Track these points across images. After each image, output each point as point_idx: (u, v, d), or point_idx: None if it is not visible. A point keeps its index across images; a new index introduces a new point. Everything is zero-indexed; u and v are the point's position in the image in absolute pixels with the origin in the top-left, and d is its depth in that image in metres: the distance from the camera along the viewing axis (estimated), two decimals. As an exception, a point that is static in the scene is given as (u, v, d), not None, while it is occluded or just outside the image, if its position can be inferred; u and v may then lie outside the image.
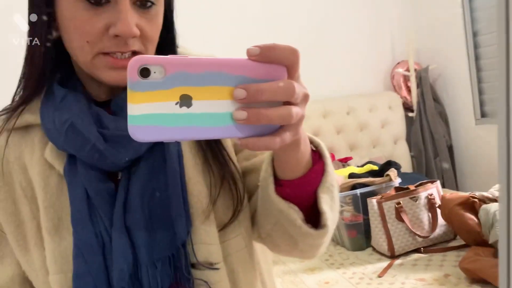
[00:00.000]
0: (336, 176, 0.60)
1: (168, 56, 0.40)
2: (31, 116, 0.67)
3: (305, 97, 0.45)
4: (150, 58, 0.40)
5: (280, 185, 0.56)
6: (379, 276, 1.74)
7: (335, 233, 2.13)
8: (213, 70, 0.40)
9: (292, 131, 0.44)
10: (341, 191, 2.08)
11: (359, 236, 2.05)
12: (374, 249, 2.02)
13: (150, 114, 0.40)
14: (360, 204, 2.04)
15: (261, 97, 0.41)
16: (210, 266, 0.62)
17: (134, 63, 0.39)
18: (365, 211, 2.02)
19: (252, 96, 0.40)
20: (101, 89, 0.67)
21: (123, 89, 0.58)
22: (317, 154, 0.57)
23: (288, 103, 0.43)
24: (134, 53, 0.60)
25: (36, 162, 0.65)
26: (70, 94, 0.64)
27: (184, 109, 0.40)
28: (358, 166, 2.49)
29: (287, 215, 0.56)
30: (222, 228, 0.65)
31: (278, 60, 0.42)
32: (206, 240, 0.63)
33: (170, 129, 0.40)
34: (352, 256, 1.99)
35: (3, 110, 0.70)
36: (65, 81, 0.67)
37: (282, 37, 2.82)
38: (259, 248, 0.72)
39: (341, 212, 2.05)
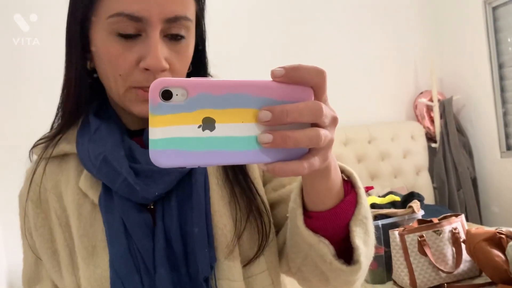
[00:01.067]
0: (369, 208, 0.57)
1: (191, 78, 0.39)
2: (67, 145, 0.69)
3: (334, 120, 0.43)
4: (172, 80, 0.39)
5: (310, 217, 0.54)
6: (401, 312, 1.68)
7: (355, 264, 2.08)
8: (236, 92, 0.39)
9: (321, 155, 0.42)
10: (362, 222, 2.04)
11: (380, 268, 2.00)
12: (395, 283, 1.96)
13: (172, 138, 0.38)
14: (382, 236, 1.99)
15: (287, 119, 0.39)
16: None
17: (156, 86, 0.38)
18: (387, 243, 1.97)
19: (277, 117, 0.39)
20: (134, 120, 0.68)
21: None
22: (349, 184, 0.55)
23: (316, 125, 0.41)
24: None
25: (71, 190, 0.66)
26: (104, 125, 0.66)
27: (207, 133, 0.39)
28: (379, 196, 2.45)
29: (317, 250, 0.54)
30: (247, 263, 0.63)
31: (304, 81, 0.40)
32: (229, 276, 0.61)
33: (193, 154, 0.39)
34: (372, 290, 1.94)
35: (41, 138, 0.72)
36: (101, 111, 0.69)
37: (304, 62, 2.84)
38: (289, 284, 0.70)
39: (362, 243, 2.01)
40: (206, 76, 0.71)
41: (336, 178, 0.51)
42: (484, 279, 1.88)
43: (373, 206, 2.16)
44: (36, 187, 0.70)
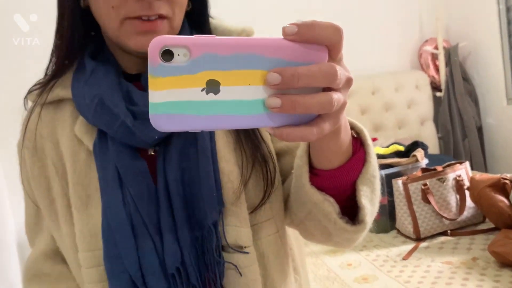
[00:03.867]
0: (377, 165, 0.55)
1: (193, 36, 0.35)
2: (62, 90, 0.66)
3: (348, 82, 0.39)
4: (173, 38, 0.35)
5: (316, 175, 0.51)
6: (404, 259, 1.70)
7: (358, 214, 2.09)
8: (243, 52, 0.36)
9: (332, 120, 0.38)
10: (365, 172, 2.03)
11: (383, 218, 2.00)
12: (398, 231, 1.97)
13: (173, 101, 0.35)
14: (385, 186, 1.98)
15: (298, 83, 0.35)
16: (240, 249, 0.59)
17: (156, 45, 0.34)
18: (390, 193, 1.97)
19: (287, 81, 0.35)
20: (132, 62, 0.65)
21: None
22: (358, 141, 0.52)
23: (328, 88, 0.37)
24: (161, 17, 0.58)
25: (66, 137, 0.64)
26: (100, 67, 0.63)
27: (211, 96, 0.36)
28: (383, 147, 2.43)
29: (321, 208, 0.52)
30: (253, 210, 0.61)
31: (318, 40, 0.36)
32: (236, 223, 0.59)
33: (196, 118, 0.36)
34: (376, 239, 1.95)
35: (35, 84, 0.69)
36: (97, 54, 0.66)
37: (307, 13, 2.76)
38: (292, 234, 0.69)
39: (365, 194, 2.00)
40: (205, 16, 0.67)
41: (346, 137, 0.47)
42: (487, 225, 1.88)
43: (377, 156, 2.15)
44: (32, 135, 0.67)
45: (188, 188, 0.59)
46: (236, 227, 0.59)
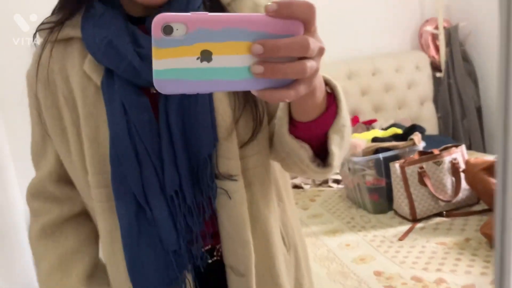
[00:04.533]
0: (348, 116, 0.64)
1: (189, 14, 0.42)
2: (72, 30, 0.72)
3: (320, 51, 0.46)
4: (172, 16, 0.42)
5: (294, 126, 0.61)
6: (400, 240, 1.77)
7: (356, 195, 2.15)
8: (232, 26, 0.42)
9: (306, 84, 0.46)
10: (364, 155, 2.08)
11: (381, 199, 2.07)
12: (396, 212, 2.03)
13: (173, 69, 0.42)
14: (383, 168, 2.04)
15: (277, 53, 0.43)
16: (230, 177, 0.70)
17: (158, 22, 0.41)
18: (388, 175, 2.03)
19: (268, 51, 0.42)
20: (137, 6, 0.71)
21: (158, 9, 0.67)
22: (332, 96, 0.60)
23: (304, 57, 0.44)
24: None
25: (76, 73, 0.71)
26: (109, 11, 0.70)
27: (205, 64, 0.42)
28: (382, 129, 2.48)
29: (297, 154, 0.63)
30: (242, 145, 0.71)
31: (295, 16, 0.43)
32: (227, 155, 0.69)
33: (192, 82, 0.43)
34: (373, 219, 2.02)
35: (44, 23, 0.75)
36: None
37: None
38: (278, 169, 0.79)
39: (364, 176, 2.06)
40: None
41: (320, 95, 0.56)
42: (481, 206, 1.94)
43: (375, 139, 2.20)
44: (44, 69, 0.74)
45: (187, 123, 0.68)
46: (227, 159, 0.69)
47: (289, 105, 0.60)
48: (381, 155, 2.04)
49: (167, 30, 0.41)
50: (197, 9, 0.70)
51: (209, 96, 0.68)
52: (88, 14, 0.71)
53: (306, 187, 2.49)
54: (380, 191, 2.06)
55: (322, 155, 0.63)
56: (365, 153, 2.08)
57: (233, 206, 0.70)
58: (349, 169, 2.15)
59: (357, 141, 2.14)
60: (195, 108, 0.68)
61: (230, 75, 0.43)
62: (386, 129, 2.41)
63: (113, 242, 0.72)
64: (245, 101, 0.71)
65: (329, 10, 2.65)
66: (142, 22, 0.70)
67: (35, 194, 0.82)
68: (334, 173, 0.68)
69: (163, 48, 0.42)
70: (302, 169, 0.66)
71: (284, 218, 0.81)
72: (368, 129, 2.57)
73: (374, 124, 2.72)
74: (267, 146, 0.75)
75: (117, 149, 0.67)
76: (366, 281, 1.51)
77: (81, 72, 0.71)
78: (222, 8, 0.73)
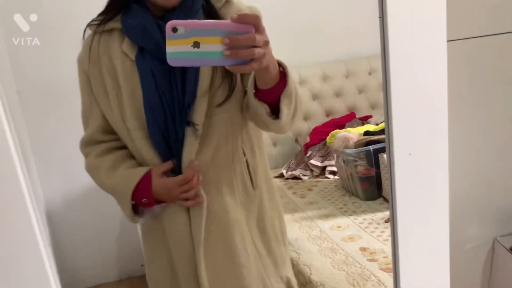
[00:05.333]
0: (296, 85, 0.95)
1: (187, 21, 0.72)
2: (114, 23, 1.04)
3: (266, 43, 0.78)
4: (177, 21, 0.72)
5: (258, 92, 0.92)
6: (386, 222, 1.97)
7: (350, 184, 2.35)
8: (212, 28, 0.73)
9: (257, 62, 0.77)
10: (356, 147, 2.28)
11: (371, 187, 2.26)
12: (384, 199, 2.23)
13: (177, 51, 0.73)
14: (373, 159, 2.24)
15: (237, 44, 0.73)
16: (193, 124, 1.00)
17: (169, 25, 0.72)
18: (377, 166, 2.22)
19: (232, 43, 0.73)
20: (158, 8, 1.00)
21: (173, 10, 0.98)
22: (284, 72, 0.90)
23: (254, 46, 0.75)
24: None
25: (117, 52, 1.04)
26: (141, 9, 1.01)
27: (196, 49, 0.72)
28: (376, 124, 2.67)
29: (259, 111, 0.94)
30: (219, 105, 1.02)
31: (248, 22, 0.74)
32: (197, 109, 1.00)
33: (188, 60, 0.74)
34: (364, 205, 2.21)
35: (93, 20, 1.07)
36: (137, 2, 1.02)
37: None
38: (252, 126, 1.10)
39: (356, 166, 2.26)
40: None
41: (273, 71, 0.87)
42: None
43: (367, 133, 2.39)
44: (95, 52, 1.05)
45: (185, 83, 0.99)
46: (196, 111, 1.00)
47: (255, 78, 0.91)
48: (371, 147, 2.24)
49: (174, 29, 0.72)
50: (198, 10, 1.00)
51: (198, 69, 0.99)
52: (126, 11, 1.02)
53: (305, 178, 2.69)
54: (371, 180, 2.26)
55: (276, 112, 0.93)
56: (357, 145, 2.28)
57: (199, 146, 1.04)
58: (343, 160, 2.35)
59: (350, 135, 2.34)
60: (190, 75, 0.99)
61: (211, 56, 0.73)
62: (377, 125, 2.61)
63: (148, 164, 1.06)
64: (223, 75, 1.01)
65: (326, 13, 2.85)
66: (162, 19, 0.99)
67: (87, 142, 1.13)
68: (289, 123, 0.99)
69: (172, 40, 0.72)
70: (265, 122, 0.96)
71: (254, 164, 1.12)
72: (362, 124, 2.76)
73: (369, 120, 2.91)
74: (239, 109, 1.05)
75: (150, 103, 1.00)
76: (352, 256, 1.72)
77: (120, 51, 1.03)
78: (215, 11, 1.01)
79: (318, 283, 1.60)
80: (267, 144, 2.81)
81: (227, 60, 0.74)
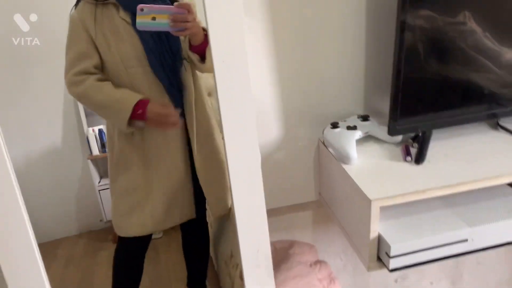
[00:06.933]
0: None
1: (148, 5, 1.20)
2: None
3: (194, 19, 1.29)
4: (143, 5, 1.19)
5: (192, 47, 1.43)
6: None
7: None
8: (163, 10, 1.23)
9: (189, 30, 1.30)
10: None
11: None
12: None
13: (143, 22, 1.22)
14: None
15: (178, 20, 1.25)
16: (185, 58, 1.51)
17: (138, 7, 1.19)
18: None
19: (175, 19, 1.25)
20: None
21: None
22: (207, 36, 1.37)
23: (187, 21, 1.27)
24: None
25: (116, 18, 1.43)
26: None
27: (153, 21, 1.22)
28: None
29: (193, 57, 1.45)
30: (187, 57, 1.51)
31: (184, 7, 1.26)
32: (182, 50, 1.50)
33: (149, 27, 1.24)
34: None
35: None
36: None
37: None
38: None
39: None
40: None
41: (200, 34, 1.38)
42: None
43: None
44: (99, 17, 1.42)
45: (167, 36, 1.45)
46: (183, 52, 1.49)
47: (189, 40, 1.41)
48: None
49: (141, 9, 1.20)
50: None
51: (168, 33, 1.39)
52: None
53: None
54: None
55: (204, 60, 1.44)
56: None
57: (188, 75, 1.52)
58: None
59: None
60: (166, 35, 1.44)
61: (162, 26, 1.24)
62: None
63: (149, 85, 1.47)
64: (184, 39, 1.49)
65: None
66: None
67: (81, 72, 1.43)
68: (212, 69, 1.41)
69: (140, 15, 1.20)
70: (198, 66, 1.47)
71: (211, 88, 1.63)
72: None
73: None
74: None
75: (150, 46, 1.42)
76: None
77: (118, 17, 1.42)
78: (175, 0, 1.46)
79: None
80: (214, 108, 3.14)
81: (172, 28, 1.25)
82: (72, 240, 2.86)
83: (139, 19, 1.20)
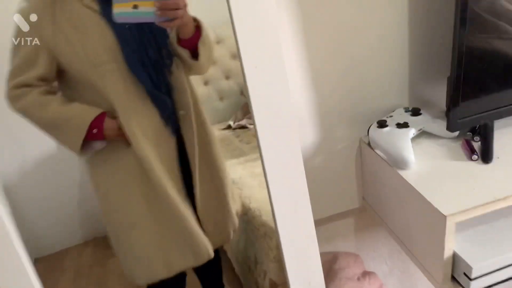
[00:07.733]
0: (210, 34, 1.25)
1: None
2: None
3: (185, 6, 1.08)
4: None
5: (181, 41, 1.21)
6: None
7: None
8: None
9: (178, 20, 1.07)
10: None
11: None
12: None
13: (121, 12, 0.96)
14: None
15: (165, 7, 1.02)
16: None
17: None
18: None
19: (162, 6, 1.01)
20: None
21: None
22: (199, 27, 1.20)
23: (177, 9, 1.04)
24: None
25: (79, 8, 1.17)
26: None
27: (135, 10, 0.97)
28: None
29: (183, 54, 1.23)
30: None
31: None
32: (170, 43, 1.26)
33: (129, 17, 0.97)
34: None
35: None
36: None
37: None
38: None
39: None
40: None
41: (190, 25, 1.17)
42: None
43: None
44: (57, 11, 1.17)
45: (151, 28, 1.22)
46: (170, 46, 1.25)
47: (177, 32, 1.19)
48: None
49: None
50: None
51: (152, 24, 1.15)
52: None
53: (251, 126, 2.72)
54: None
55: (196, 56, 1.22)
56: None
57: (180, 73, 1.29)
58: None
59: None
60: (149, 25, 1.20)
61: (146, 15, 0.99)
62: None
63: (126, 86, 1.21)
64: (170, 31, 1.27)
65: None
66: None
67: (21, 84, 1.17)
68: (207, 65, 1.28)
69: (117, 3, 0.95)
70: (188, 65, 1.25)
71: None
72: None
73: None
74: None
75: (125, 36, 1.17)
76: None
77: (83, 5, 1.16)
78: None
79: (256, 209, 1.80)
80: (213, 99, 2.89)
81: (158, 18, 1.01)
82: (78, 249, 2.71)
83: (117, 8, 0.94)
